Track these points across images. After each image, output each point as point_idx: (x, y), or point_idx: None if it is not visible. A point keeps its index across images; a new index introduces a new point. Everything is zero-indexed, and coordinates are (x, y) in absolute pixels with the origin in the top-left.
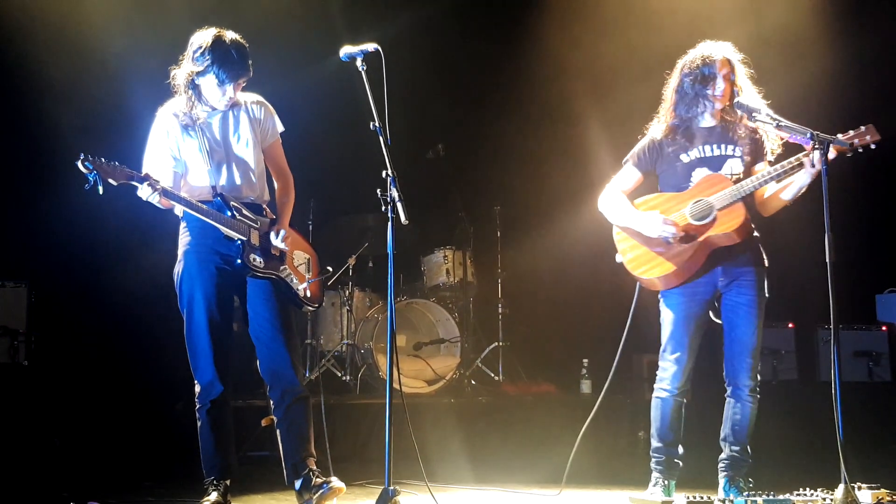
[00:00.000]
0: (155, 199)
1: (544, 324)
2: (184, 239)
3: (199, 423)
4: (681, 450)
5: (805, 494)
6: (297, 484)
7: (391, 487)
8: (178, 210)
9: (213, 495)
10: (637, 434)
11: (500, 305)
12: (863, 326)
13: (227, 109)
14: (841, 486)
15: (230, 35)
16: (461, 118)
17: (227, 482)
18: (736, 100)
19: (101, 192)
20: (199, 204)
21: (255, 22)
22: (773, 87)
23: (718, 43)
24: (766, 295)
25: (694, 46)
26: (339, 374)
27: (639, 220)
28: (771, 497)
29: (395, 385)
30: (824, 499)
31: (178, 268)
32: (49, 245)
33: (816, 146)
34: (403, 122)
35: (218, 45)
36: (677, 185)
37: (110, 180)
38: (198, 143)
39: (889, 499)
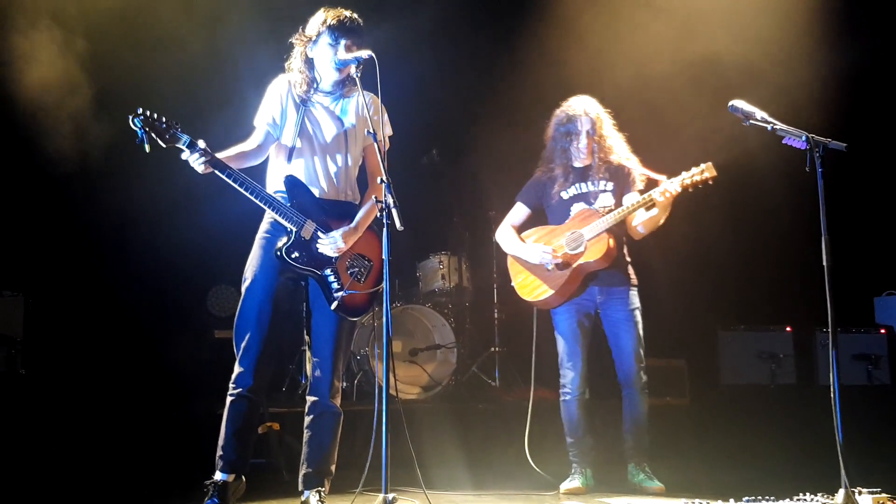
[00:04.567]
0: (200, 169)
1: (540, 329)
2: (264, 226)
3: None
4: (591, 441)
5: (805, 499)
6: (305, 494)
7: (389, 494)
8: (271, 188)
9: None
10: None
11: (495, 311)
12: (861, 329)
13: (338, 94)
14: (841, 491)
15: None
16: (456, 123)
17: (230, 478)
18: (730, 104)
19: (147, 150)
20: (262, 188)
21: (247, 27)
22: (765, 90)
23: (582, 99)
24: (639, 306)
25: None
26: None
27: (524, 250)
28: (771, 502)
29: (392, 391)
30: (825, 503)
31: (252, 250)
32: (45, 254)
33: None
34: (398, 127)
35: (330, 12)
36: (560, 219)
37: (159, 142)
38: (295, 119)
39: (890, 503)
